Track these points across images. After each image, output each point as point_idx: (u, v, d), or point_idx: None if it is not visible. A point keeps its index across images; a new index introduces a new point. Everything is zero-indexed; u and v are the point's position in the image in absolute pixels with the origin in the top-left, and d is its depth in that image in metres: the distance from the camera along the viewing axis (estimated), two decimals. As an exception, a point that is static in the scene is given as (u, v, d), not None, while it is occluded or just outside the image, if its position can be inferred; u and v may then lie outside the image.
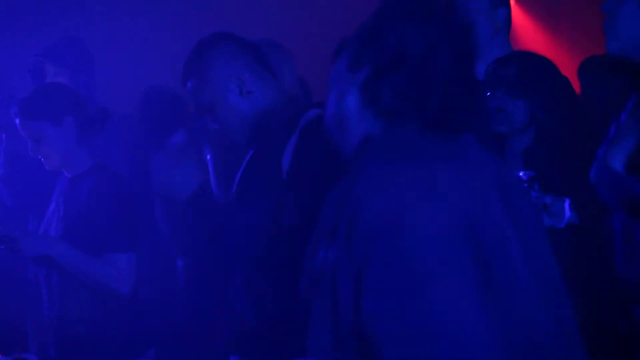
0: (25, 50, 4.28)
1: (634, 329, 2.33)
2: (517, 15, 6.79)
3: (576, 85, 3.42)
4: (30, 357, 3.13)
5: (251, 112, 2.59)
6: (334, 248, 1.59)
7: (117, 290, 3.16)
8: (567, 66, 3.61)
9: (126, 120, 4.06)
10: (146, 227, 3.48)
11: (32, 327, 3.37)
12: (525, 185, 2.52)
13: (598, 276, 2.42)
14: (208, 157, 3.30)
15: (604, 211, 2.42)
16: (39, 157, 3.25)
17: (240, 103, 2.59)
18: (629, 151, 2.32)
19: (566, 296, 1.72)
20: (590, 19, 3.30)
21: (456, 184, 1.59)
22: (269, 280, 2.49)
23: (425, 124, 1.66)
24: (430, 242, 1.53)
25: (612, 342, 2.34)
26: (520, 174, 2.60)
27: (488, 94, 2.91)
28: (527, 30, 6.54)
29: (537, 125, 2.91)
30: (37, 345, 3.31)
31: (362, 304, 1.52)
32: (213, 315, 3.57)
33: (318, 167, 2.37)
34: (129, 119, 4.08)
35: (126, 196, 3.24)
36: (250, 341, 2.55)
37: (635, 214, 2.30)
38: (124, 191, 3.25)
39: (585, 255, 2.53)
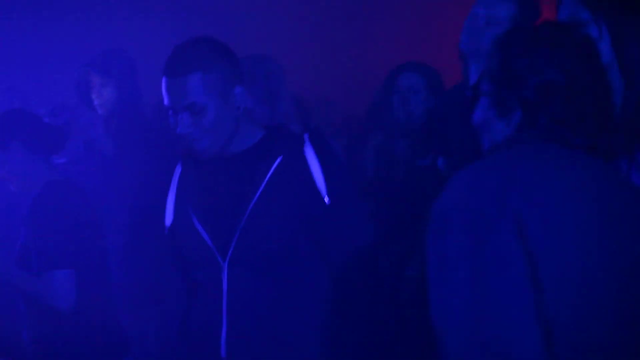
0: (71, 61, 4.40)
1: None
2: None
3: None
4: None
5: (232, 128, 2.58)
6: None
7: (57, 307, 3.22)
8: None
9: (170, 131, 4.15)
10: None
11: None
12: None
13: None
14: None
15: None
16: (4, 180, 3.45)
17: (231, 116, 2.57)
18: None
19: None
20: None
21: (520, 182, 1.73)
22: (270, 285, 2.54)
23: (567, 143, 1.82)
24: (473, 227, 1.70)
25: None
26: None
27: None
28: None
29: None
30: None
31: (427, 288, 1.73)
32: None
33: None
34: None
35: (67, 212, 3.32)
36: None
37: None
38: (64, 207, 3.33)
39: None
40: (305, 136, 2.60)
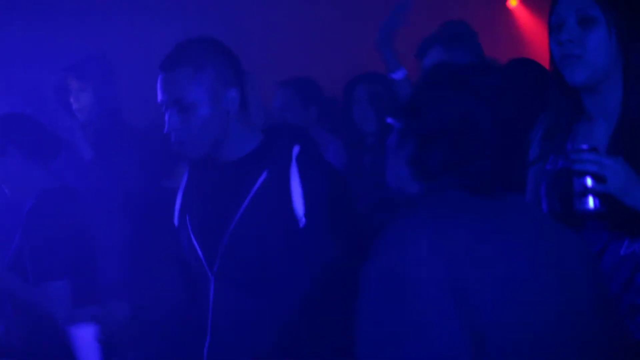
0: (49, 65, 4.40)
1: None
2: (524, 16, 6.85)
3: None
4: None
5: (220, 132, 2.50)
6: None
7: (53, 317, 3.25)
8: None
9: (149, 136, 4.06)
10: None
11: None
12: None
13: None
14: None
15: None
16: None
17: (220, 119, 2.50)
18: None
19: None
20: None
21: (455, 246, 1.69)
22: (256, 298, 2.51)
23: (469, 188, 1.80)
24: (414, 292, 1.66)
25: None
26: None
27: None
28: (534, 30, 6.59)
29: None
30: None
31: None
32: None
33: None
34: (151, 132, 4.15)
35: (63, 221, 3.32)
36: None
37: None
38: (60, 216, 3.33)
39: None
40: (294, 152, 2.52)
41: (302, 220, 2.44)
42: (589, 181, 2.22)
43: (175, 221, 2.69)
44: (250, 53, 4.37)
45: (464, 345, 1.62)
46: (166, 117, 2.50)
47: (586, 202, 2.24)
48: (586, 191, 2.22)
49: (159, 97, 2.51)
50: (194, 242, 2.58)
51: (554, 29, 2.34)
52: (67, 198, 3.39)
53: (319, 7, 5.76)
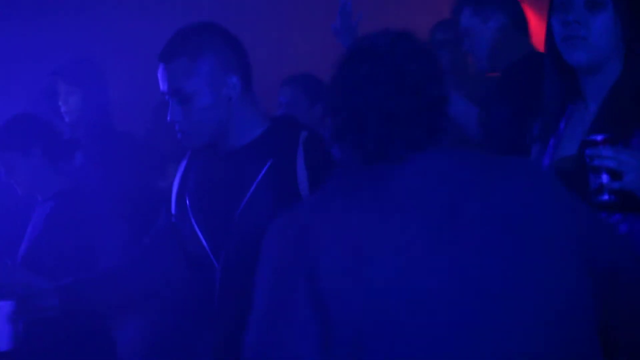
0: (40, 67, 4.40)
1: None
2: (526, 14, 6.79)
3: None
4: None
5: (222, 120, 2.48)
6: None
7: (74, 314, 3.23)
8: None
9: (137, 138, 4.21)
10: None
11: None
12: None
13: None
14: None
15: None
16: (12, 182, 3.50)
17: (221, 107, 2.48)
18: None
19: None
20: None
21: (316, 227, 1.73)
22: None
23: (362, 156, 1.79)
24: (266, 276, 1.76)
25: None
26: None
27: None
28: (535, 29, 6.54)
29: None
30: None
31: None
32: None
33: None
34: (140, 136, 4.23)
35: (83, 222, 3.40)
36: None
37: None
38: (80, 217, 3.41)
39: None
40: (301, 139, 2.50)
41: None
42: (604, 177, 2.21)
43: (173, 209, 2.65)
44: (248, 52, 4.30)
45: (313, 323, 1.66)
46: (169, 107, 2.49)
47: (601, 196, 2.23)
48: (602, 188, 2.20)
49: (161, 87, 2.50)
50: (197, 230, 2.55)
51: (558, 7, 2.35)
52: (83, 199, 3.47)
53: (320, 7, 5.75)
